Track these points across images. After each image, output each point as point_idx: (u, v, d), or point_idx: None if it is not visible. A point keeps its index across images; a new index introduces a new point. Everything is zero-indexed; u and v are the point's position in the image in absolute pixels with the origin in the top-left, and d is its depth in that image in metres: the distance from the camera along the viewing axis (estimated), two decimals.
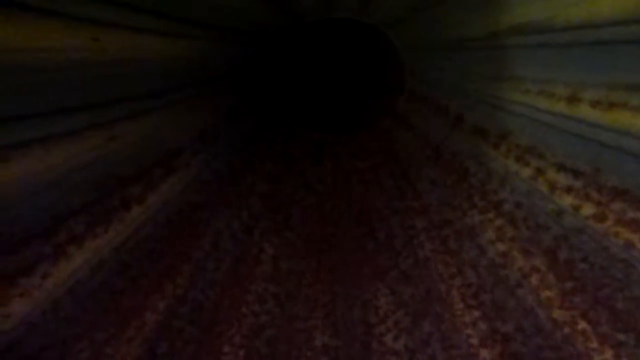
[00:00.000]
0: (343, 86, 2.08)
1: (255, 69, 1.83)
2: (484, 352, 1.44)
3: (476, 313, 1.49)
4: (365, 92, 2.07)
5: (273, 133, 1.89)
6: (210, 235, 1.58)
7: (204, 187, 1.61)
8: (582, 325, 1.31)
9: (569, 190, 1.33)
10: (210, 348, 1.49)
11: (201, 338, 1.49)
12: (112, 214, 1.33)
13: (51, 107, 1.11)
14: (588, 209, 1.30)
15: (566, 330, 1.33)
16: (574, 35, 1.17)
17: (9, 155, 1.07)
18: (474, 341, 1.47)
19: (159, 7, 1.22)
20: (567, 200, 1.34)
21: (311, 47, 2.00)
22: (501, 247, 1.48)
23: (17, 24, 0.94)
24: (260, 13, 1.56)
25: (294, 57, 2.01)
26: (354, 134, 1.96)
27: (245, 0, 1.42)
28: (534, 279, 1.40)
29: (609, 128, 1.20)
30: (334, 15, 1.77)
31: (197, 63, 1.49)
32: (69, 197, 1.23)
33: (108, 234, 1.32)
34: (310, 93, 2.07)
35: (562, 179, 1.35)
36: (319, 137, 1.95)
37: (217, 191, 1.65)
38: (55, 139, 1.14)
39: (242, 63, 1.71)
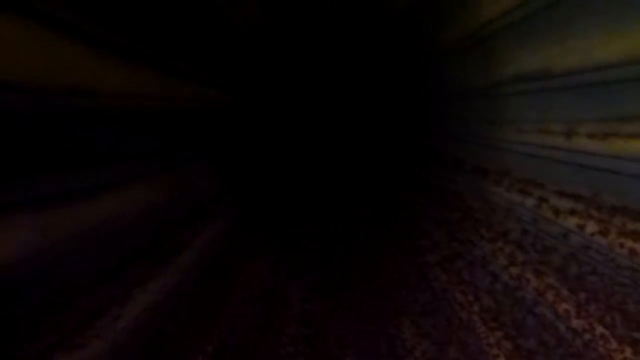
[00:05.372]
0: (344, 139, 2.23)
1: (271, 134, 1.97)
2: None
3: (499, 334, 1.62)
4: (368, 144, 2.24)
5: (284, 186, 2.00)
6: (244, 281, 1.64)
7: (234, 235, 1.68)
8: (600, 330, 1.47)
9: (572, 212, 1.53)
10: None
11: None
12: (169, 257, 1.38)
13: (135, 150, 1.19)
14: (592, 227, 1.49)
15: (586, 337, 1.49)
16: (569, 79, 1.41)
17: (96, 194, 1.13)
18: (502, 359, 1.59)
19: (215, 63, 1.35)
20: (572, 222, 1.53)
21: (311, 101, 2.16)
22: (514, 271, 1.65)
23: (124, 72, 1.04)
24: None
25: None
26: (357, 184, 2.11)
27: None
28: (550, 296, 1.57)
29: (604, 154, 1.42)
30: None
31: (234, 117, 1.61)
32: (137, 239, 1.28)
33: (165, 277, 1.37)
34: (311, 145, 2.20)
35: (565, 204, 1.55)
36: (324, 189, 2.09)
37: (245, 239, 1.72)
38: (134, 180, 1.21)
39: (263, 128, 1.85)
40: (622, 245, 1.43)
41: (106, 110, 1.08)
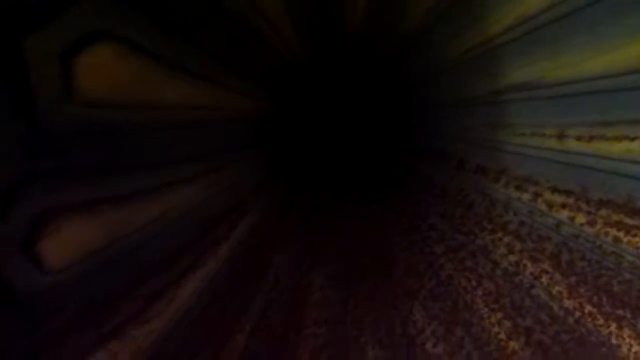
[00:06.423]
0: (353, 142, 2.42)
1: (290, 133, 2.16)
2: (513, 344, 1.77)
3: (499, 314, 1.83)
4: (371, 147, 2.43)
5: (303, 186, 2.20)
6: (273, 270, 1.84)
7: (262, 229, 1.88)
8: (589, 308, 1.68)
9: (563, 206, 1.74)
10: None
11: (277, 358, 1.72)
12: (209, 249, 1.57)
13: (188, 155, 1.38)
14: (581, 218, 1.70)
15: (577, 314, 1.70)
16: (561, 89, 1.61)
17: (156, 193, 1.32)
18: (502, 337, 1.80)
19: (248, 70, 1.55)
20: (564, 214, 1.74)
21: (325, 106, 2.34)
22: (512, 258, 1.85)
23: (186, 87, 1.23)
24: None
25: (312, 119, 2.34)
26: (365, 184, 2.31)
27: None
28: (544, 279, 1.77)
29: (591, 155, 1.62)
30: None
31: (261, 123, 1.80)
32: (183, 233, 1.47)
33: (207, 267, 1.56)
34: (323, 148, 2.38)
35: (557, 198, 1.76)
36: (338, 189, 2.28)
37: (271, 233, 1.92)
38: (186, 181, 1.40)
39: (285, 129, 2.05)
40: (607, 234, 1.64)
41: (169, 121, 1.27)
